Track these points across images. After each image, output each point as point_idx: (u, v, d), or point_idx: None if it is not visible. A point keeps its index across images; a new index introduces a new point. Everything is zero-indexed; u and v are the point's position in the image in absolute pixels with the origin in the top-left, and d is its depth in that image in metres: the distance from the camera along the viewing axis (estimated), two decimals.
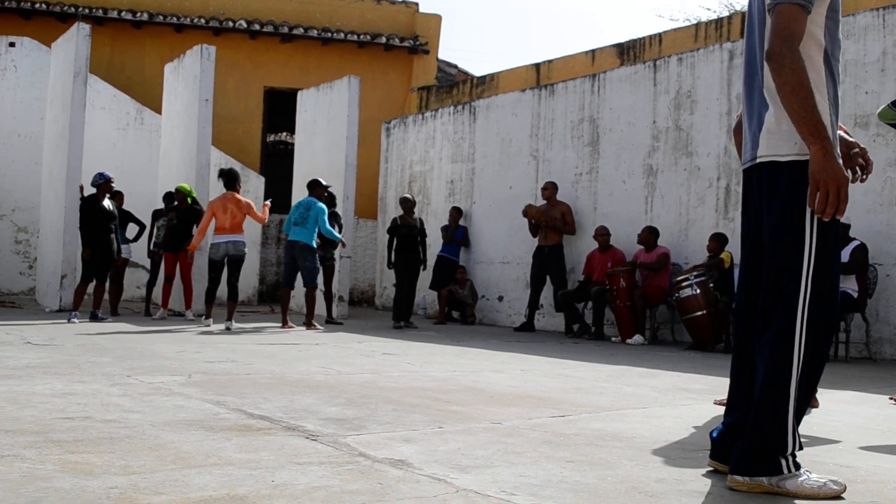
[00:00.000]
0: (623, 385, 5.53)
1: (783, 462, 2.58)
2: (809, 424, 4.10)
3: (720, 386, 5.64)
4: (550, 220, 11.31)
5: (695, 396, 5.08)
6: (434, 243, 13.56)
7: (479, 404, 4.34)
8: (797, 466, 2.60)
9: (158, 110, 14.21)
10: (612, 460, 3.03)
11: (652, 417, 4.14)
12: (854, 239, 8.09)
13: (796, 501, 2.52)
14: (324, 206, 10.21)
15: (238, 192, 9.96)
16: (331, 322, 11.18)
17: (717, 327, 9.00)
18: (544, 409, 4.27)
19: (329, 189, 10.81)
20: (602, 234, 10.69)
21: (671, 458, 3.10)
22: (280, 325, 9.95)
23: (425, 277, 13.12)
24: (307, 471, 2.66)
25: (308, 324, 10.00)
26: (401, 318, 11.09)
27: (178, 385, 4.57)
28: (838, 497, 2.55)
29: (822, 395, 4.83)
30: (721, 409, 4.53)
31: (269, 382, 4.87)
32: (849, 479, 2.84)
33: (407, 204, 11.50)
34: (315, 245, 10.07)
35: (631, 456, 3.12)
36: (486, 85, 15.83)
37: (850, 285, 8.03)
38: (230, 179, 9.87)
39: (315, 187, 10.31)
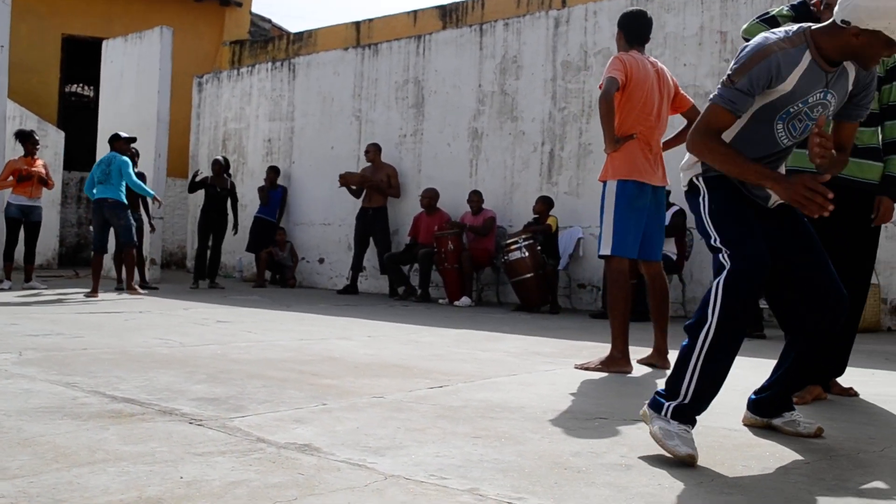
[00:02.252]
0: (476, 350, 5.52)
1: (665, 405, 2.75)
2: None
3: (569, 349, 5.76)
4: (375, 182, 11.17)
5: (551, 360, 5.14)
6: (251, 204, 13.13)
7: (348, 376, 4.18)
8: (675, 416, 2.73)
9: None
10: (517, 434, 2.97)
11: (526, 385, 4.14)
12: (673, 204, 8.47)
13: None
14: (126, 158, 9.57)
15: (35, 154, 9.86)
16: (145, 286, 10.58)
17: (544, 289, 9.22)
18: (416, 378, 4.18)
19: (134, 145, 10.14)
20: (428, 197, 10.68)
21: (572, 429, 3.09)
22: (89, 290, 9.12)
23: (242, 239, 12.69)
24: (213, 463, 2.43)
25: (129, 287, 9.41)
26: (201, 277, 11.21)
27: (13, 364, 4.12)
28: (680, 459, 2.61)
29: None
30: (585, 374, 4.61)
31: (113, 358, 4.50)
32: (744, 444, 2.93)
33: (217, 167, 11.41)
34: (125, 201, 9.46)
35: (532, 428, 3.08)
36: (303, 42, 15.39)
37: (669, 248, 8.43)
38: (29, 142, 9.88)
39: (115, 141, 9.66)
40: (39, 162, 9.87)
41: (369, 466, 2.46)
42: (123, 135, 9.67)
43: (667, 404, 2.75)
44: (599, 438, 2.95)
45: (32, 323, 6.13)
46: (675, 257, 8.53)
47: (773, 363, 3.31)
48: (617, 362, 4.73)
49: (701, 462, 2.65)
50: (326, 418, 3.14)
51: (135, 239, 9.60)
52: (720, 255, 2.82)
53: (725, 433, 3.10)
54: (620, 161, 4.85)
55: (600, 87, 4.84)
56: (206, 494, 2.13)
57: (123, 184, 9.39)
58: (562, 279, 9.72)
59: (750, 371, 4.90)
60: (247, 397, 3.50)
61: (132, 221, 9.56)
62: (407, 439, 2.83)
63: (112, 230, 9.55)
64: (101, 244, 9.57)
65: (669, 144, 5.13)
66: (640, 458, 2.68)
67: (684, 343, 2.79)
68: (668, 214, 8.44)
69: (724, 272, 2.75)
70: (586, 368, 4.75)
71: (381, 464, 2.49)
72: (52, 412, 3.04)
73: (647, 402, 2.89)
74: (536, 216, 9.73)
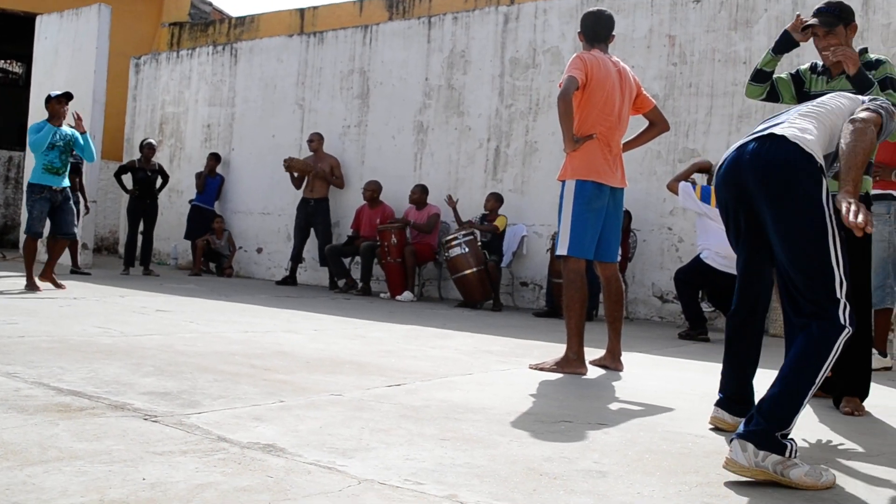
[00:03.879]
0: (426, 347, 5.44)
1: (790, 447, 2.54)
2: (634, 390, 4.22)
3: (519, 348, 5.73)
4: (319, 172, 11.01)
5: (503, 360, 5.09)
6: (187, 190, 12.83)
7: (301, 371, 4.07)
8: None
9: None
10: (485, 437, 2.90)
11: (484, 385, 4.07)
12: None
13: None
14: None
15: None
16: (77, 272, 10.26)
17: (486, 286, 9.18)
18: (372, 376, 4.08)
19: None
20: (371, 189, 10.55)
21: (539, 433, 3.03)
22: (26, 284, 7.74)
23: (178, 226, 12.41)
24: (175, 463, 2.31)
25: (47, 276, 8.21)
26: (131, 263, 11.04)
27: None
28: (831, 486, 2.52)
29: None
30: (540, 374, 4.56)
31: (52, 347, 4.30)
32: (713, 451, 2.91)
33: (147, 150, 11.19)
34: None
35: (499, 431, 3.01)
36: (245, 26, 15.09)
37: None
38: None
39: (47, 103, 8.86)
40: None
41: (340, 469, 2.36)
42: (54, 93, 8.22)
43: (790, 446, 2.53)
44: (569, 442, 2.90)
45: None
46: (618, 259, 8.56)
47: (719, 366, 3.34)
48: (572, 364, 4.70)
49: (674, 469, 2.61)
50: (287, 416, 3.02)
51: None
52: (840, 307, 2.66)
53: (693, 439, 3.08)
54: (580, 161, 4.81)
55: (560, 86, 4.79)
56: (172, 498, 2.01)
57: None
58: (504, 276, 9.70)
59: (704, 375, 4.92)
60: (200, 392, 3.37)
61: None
62: (373, 440, 2.74)
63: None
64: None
65: (629, 146, 5.11)
66: (612, 464, 2.64)
67: (801, 378, 2.60)
68: None
69: (838, 327, 2.64)
70: (541, 369, 4.70)
71: (351, 466, 2.40)
72: None
73: (748, 449, 2.50)
74: (486, 213, 9.69)
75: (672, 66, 9.07)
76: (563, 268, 4.94)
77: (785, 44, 4.28)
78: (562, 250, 4.84)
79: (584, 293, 4.85)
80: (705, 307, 7.71)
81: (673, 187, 7.44)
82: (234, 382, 3.64)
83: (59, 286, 7.94)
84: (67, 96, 8.12)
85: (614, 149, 4.90)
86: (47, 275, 7.97)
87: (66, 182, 8.11)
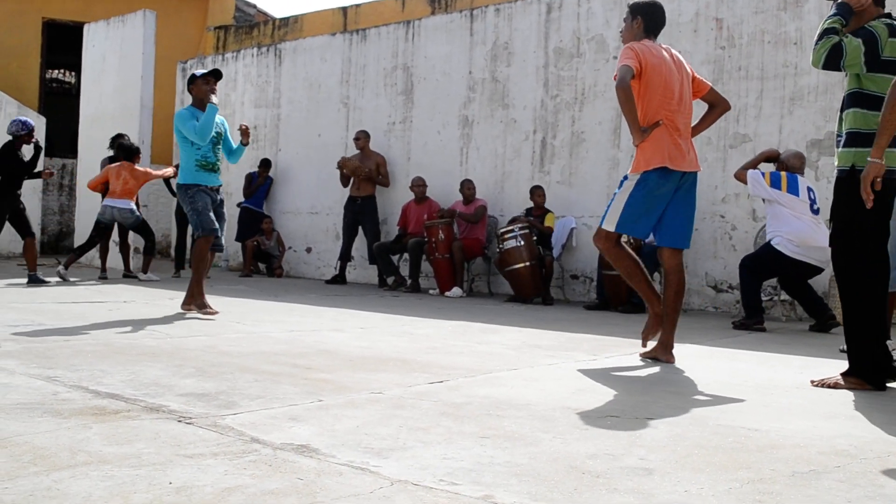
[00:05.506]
0: (473, 343, 5.35)
1: None
2: (685, 383, 4.09)
3: (569, 342, 5.60)
4: (365, 171, 10.98)
5: (552, 354, 4.97)
6: (235, 192, 12.91)
7: (343, 370, 4.01)
8: None
9: None
10: (527, 434, 2.80)
11: (529, 380, 3.97)
12: None
13: None
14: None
15: (137, 163, 10.14)
16: (129, 276, 10.37)
17: (538, 280, 9.06)
18: (415, 373, 4.00)
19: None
20: (418, 185, 10.48)
21: (583, 429, 2.92)
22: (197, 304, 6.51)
23: (228, 228, 12.48)
24: (204, 466, 2.25)
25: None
26: (182, 266, 11.20)
27: None
28: None
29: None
30: (590, 369, 4.45)
31: (97, 350, 4.30)
32: (767, 445, 2.77)
33: None
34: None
35: (542, 428, 2.91)
36: (289, 27, 15.13)
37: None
38: (128, 154, 10.12)
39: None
40: (140, 170, 10.24)
41: (373, 470, 2.28)
42: (199, 72, 6.84)
43: None
44: (614, 439, 2.78)
45: (13, 313, 5.91)
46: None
47: (778, 357, 3.18)
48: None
49: (725, 465, 2.49)
50: (324, 416, 2.96)
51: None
52: None
53: (746, 433, 2.94)
54: (651, 150, 4.72)
55: (614, 78, 4.71)
56: (197, 502, 1.95)
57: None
58: (554, 270, 9.56)
59: (758, 366, 4.76)
60: (238, 392, 3.32)
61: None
62: (411, 439, 2.66)
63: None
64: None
65: (695, 131, 5.00)
66: (659, 460, 2.52)
67: None
68: None
69: None
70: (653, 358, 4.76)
71: (385, 467, 2.32)
72: (31, 409, 2.85)
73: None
74: (531, 207, 9.55)
75: (720, 49, 8.84)
76: (594, 241, 4.96)
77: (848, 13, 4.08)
78: (608, 226, 4.81)
79: (630, 256, 4.92)
80: (763, 296, 7.50)
81: (741, 175, 7.24)
82: (274, 382, 3.59)
83: (208, 310, 6.41)
84: (216, 74, 6.68)
85: (683, 132, 4.79)
86: (199, 296, 6.51)
87: (220, 180, 6.85)
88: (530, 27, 10.26)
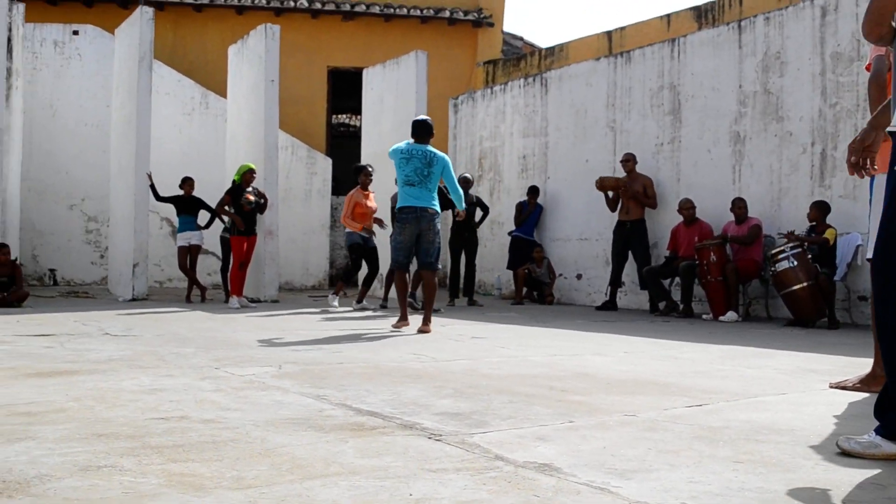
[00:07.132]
0: (742, 367, 5.09)
1: None
2: None
3: (849, 366, 5.18)
4: (632, 193, 10.83)
5: (828, 379, 4.61)
6: (507, 221, 13.18)
7: (599, 393, 3.95)
8: None
9: (222, 94, 13.93)
10: (785, 460, 2.62)
11: (798, 405, 3.71)
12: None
13: None
14: (444, 155, 8.01)
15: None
16: (385, 306, 10.84)
17: (819, 301, 8.47)
18: (673, 396, 3.87)
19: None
20: (687, 208, 10.17)
21: (850, 457, 2.68)
22: (397, 319, 7.54)
23: (501, 257, 12.78)
24: (445, 480, 2.30)
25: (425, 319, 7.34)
26: (455, 295, 11.48)
27: (271, 377, 4.25)
28: None
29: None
30: (867, 394, 4.07)
31: (365, 372, 4.54)
32: None
33: (466, 185, 11.32)
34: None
35: (803, 454, 2.70)
36: (555, 56, 15.32)
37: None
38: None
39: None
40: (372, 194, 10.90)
41: (613, 490, 2.23)
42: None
43: None
44: (885, 468, 2.53)
45: (296, 338, 6.38)
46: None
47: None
48: (879, 381, 4.14)
49: None
50: (571, 436, 2.93)
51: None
52: None
53: None
54: None
55: (867, 69, 4.29)
56: None
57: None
58: (840, 291, 8.88)
59: None
60: (491, 413, 3.37)
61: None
62: (657, 462, 2.56)
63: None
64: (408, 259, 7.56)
65: None
66: None
67: None
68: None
69: None
70: (843, 387, 4.20)
71: (625, 488, 2.25)
72: (297, 423, 3.05)
73: None
74: (812, 224, 8.96)
75: None
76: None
77: None
78: (870, 253, 4.28)
79: None
80: None
81: None
82: (527, 403, 3.61)
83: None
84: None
85: None
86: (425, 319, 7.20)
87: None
88: (804, 33, 9.69)
